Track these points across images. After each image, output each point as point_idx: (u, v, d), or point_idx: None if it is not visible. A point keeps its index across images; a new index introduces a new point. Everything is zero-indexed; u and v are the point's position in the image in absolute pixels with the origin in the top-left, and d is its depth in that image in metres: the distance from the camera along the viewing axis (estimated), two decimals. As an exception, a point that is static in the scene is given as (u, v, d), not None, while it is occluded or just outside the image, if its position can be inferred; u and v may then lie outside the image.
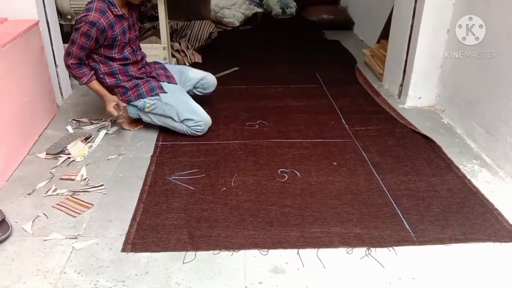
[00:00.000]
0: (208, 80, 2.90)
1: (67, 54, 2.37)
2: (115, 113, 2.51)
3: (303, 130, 2.65)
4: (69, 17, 3.45)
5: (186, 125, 2.53)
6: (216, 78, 2.99)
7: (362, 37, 4.98)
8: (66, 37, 3.22)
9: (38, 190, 2.05)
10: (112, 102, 2.51)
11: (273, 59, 4.11)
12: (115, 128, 2.68)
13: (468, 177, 2.17)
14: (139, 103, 2.53)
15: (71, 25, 3.69)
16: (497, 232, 1.78)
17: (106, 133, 2.60)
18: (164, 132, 2.61)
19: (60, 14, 3.36)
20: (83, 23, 2.27)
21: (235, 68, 3.76)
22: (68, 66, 2.41)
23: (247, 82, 3.47)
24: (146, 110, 2.54)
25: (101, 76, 2.49)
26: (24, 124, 2.38)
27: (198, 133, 2.55)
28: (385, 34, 3.70)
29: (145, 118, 2.60)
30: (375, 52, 3.89)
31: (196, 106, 2.57)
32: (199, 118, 2.52)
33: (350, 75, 3.72)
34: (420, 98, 3.05)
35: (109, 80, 2.50)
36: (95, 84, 2.48)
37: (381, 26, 4.00)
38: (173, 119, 2.53)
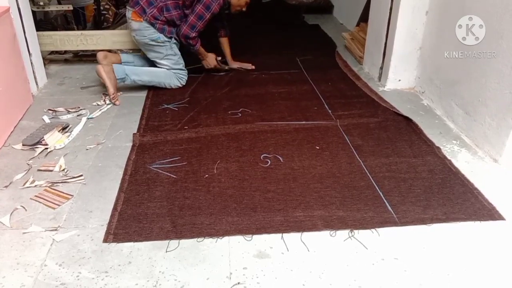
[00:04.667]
0: None
1: (192, 27, 2.88)
2: (216, 65, 3.25)
3: (286, 117, 2.63)
4: (41, 3, 3.33)
5: (175, 72, 2.98)
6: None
7: (342, 20, 4.96)
8: (39, 24, 3.13)
9: (15, 182, 2.00)
10: (213, 56, 3.22)
11: (252, 44, 4.06)
12: (96, 114, 2.66)
13: (448, 157, 2.20)
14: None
15: (44, 12, 3.58)
16: (477, 211, 1.82)
17: (87, 119, 2.58)
18: (144, 120, 2.58)
19: (32, 0, 3.25)
20: (214, 3, 2.82)
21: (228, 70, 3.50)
22: (189, 38, 2.92)
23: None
24: (154, 42, 2.89)
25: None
26: (-2, 115, 2.31)
27: (181, 82, 3.03)
28: (364, 17, 3.70)
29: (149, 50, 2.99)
30: (355, 36, 3.89)
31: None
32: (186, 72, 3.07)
33: (330, 59, 3.71)
34: (400, 80, 3.06)
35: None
36: (200, 47, 3.09)
37: (360, 9, 4.00)
38: (168, 61, 2.97)
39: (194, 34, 2.92)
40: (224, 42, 3.35)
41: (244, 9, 3.12)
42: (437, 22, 2.72)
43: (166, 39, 2.91)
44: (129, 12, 2.89)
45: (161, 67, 2.99)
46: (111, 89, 2.78)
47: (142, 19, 2.83)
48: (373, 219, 1.76)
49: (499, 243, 1.66)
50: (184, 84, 3.05)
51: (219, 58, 3.33)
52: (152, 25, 2.84)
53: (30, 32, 2.89)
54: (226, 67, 3.39)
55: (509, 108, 2.08)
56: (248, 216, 1.77)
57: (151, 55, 2.98)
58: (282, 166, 2.12)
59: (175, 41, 2.97)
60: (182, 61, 3.04)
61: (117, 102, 2.81)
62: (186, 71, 3.06)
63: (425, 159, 2.18)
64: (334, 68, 3.51)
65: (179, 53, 3.02)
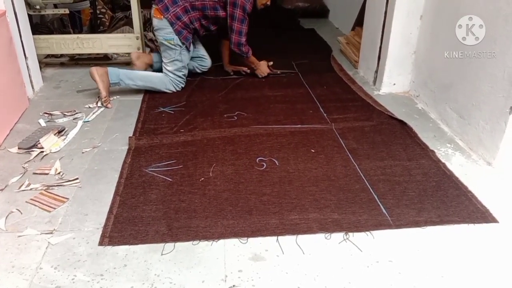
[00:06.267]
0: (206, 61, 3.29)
1: (240, 33, 2.92)
2: (269, 72, 3.30)
3: (282, 120, 2.64)
4: (38, 7, 3.33)
5: (172, 78, 2.96)
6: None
7: (337, 24, 4.99)
8: (35, 28, 3.13)
9: (11, 186, 1.99)
10: (265, 64, 3.28)
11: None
12: (92, 117, 2.66)
13: (443, 160, 2.22)
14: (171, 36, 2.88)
15: (40, 15, 3.58)
16: (471, 213, 1.83)
17: (83, 122, 2.58)
18: (140, 123, 2.58)
19: (29, 4, 3.25)
20: (247, 3, 2.84)
21: (292, 71, 3.52)
22: (241, 45, 2.98)
23: (222, 73, 3.44)
24: (167, 43, 2.88)
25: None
26: (-7, 118, 2.31)
27: (176, 88, 3.01)
28: (360, 22, 3.72)
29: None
30: (350, 40, 3.91)
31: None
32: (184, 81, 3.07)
33: (325, 63, 3.73)
34: (394, 84, 3.08)
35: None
36: (252, 55, 3.15)
37: (355, 13, 4.02)
38: (173, 65, 2.93)
39: (244, 39, 2.97)
40: (227, 45, 3.33)
41: (269, 3, 3.14)
42: (432, 26, 2.75)
43: (179, 43, 2.89)
44: (152, 9, 2.91)
45: (164, 67, 2.98)
46: (103, 92, 2.79)
47: (162, 17, 2.83)
48: (368, 221, 1.77)
49: (493, 246, 1.67)
50: (179, 90, 3.04)
51: (270, 63, 3.36)
52: (171, 24, 2.83)
53: (26, 35, 2.89)
54: (279, 72, 3.40)
55: (503, 112, 2.10)
56: (244, 219, 1.78)
57: (162, 55, 2.99)
58: (277, 169, 2.13)
59: (186, 49, 2.96)
60: (186, 71, 3.03)
61: (109, 105, 2.81)
62: (185, 80, 3.06)
63: (419, 162, 2.19)
64: (329, 72, 3.53)
65: (186, 61, 3.00)
